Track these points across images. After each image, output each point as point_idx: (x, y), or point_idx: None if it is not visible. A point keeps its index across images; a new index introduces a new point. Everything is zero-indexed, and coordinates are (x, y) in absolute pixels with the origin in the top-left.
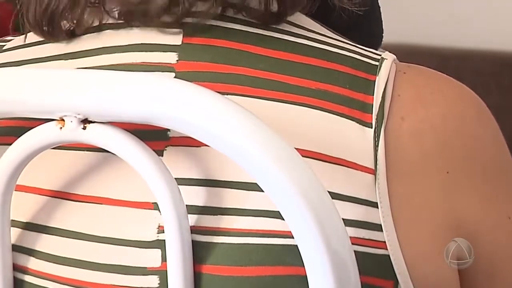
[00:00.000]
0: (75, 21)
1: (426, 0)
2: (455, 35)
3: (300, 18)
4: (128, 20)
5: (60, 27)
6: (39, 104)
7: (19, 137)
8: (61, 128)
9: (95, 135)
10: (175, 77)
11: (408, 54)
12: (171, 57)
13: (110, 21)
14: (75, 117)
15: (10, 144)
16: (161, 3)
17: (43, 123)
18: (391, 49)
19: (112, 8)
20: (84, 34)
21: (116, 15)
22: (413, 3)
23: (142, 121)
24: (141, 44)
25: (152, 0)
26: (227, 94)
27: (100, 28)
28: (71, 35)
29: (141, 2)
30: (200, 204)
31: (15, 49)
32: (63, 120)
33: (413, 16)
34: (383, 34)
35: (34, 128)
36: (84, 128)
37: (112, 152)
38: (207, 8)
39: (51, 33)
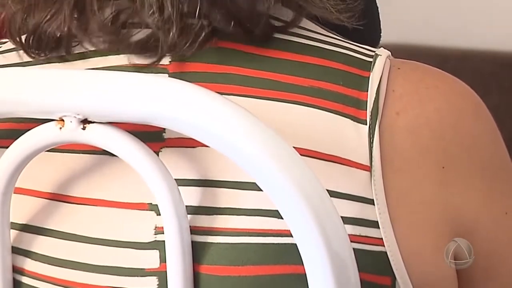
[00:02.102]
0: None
1: (426, 0)
2: (455, 35)
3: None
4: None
5: (44, 45)
6: (39, 104)
7: (15, 139)
8: (60, 128)
9: (95, 135)
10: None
11: (408, 54)
12: (164, 58)
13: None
14: (75, 117)
15: (7, 147)
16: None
17: (39, 125)
18: (391, 49)
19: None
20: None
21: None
22: (413, 3)
23: (142, 121)
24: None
25: (127, 44)
26: (220, 94)
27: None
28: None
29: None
30: (196, 204)
31: (10, 51)
32: (62, 120)
33: (413, 16)
34: (381, 35)
35: (34, 129)
36: (84, 128)
37: (112, 152)
38: (193, 36)
39: (32, 50)
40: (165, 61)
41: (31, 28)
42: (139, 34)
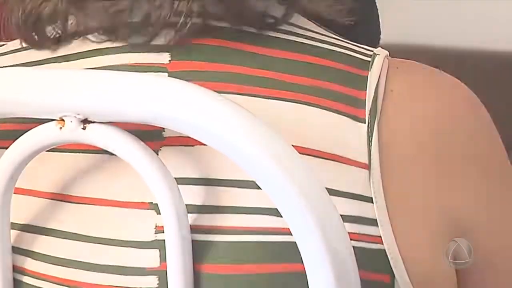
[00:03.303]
0: (59, 30)
1: (426, 0)
2: (455, 35)
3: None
4: (103, 39)
5: (45, 34)
6: (39, 104)
7: (15, 140)
8: (61, 128)
9: (95, 135)
10: (168, 77)
11: (408, 54)
12: (163, 57)
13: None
14: (75, 117)
15: (7, 148)
16: (132, 26)
17: (40, 125)
18: (391, 49)
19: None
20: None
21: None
22: (413, 3)
23: (142, 121)
24: (134, 44)
25: (123, 23)
26: (220, 93)
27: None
28: (57, 42)
29: (111, 25)
30: (196, 203)
31: (9, 53)
32: (63, 120)
33: (413, 16)
34: (381, 36)
35: (34, 128)
36: (84, 128)
37: (112, 152)
38: (182, 21)
39: (35, 40)
40: (165, 60)
41: (27, 13)
42: (135, 15)
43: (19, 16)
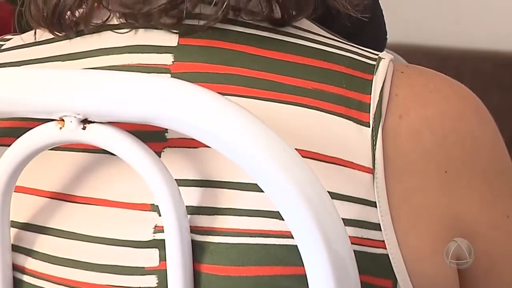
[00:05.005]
0: (81, 18)
1: (426, 0)
2: (455, 35)
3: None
4: (130, 20)
5: (66, 22)
6: (39, 104)
7: (17, 138)
8: (61, 128)
9: (95, 135)
10: (170, 77)
11: (408, 54)
12: (166, 59)
13: (111, 22)
14: (75, 117)
15: (8, 145)
16: (161, 5)
17: (42, 123)
18: (391, 49)
19: (115, 9)
20: (86, 33)
21: (118, 16)
22: (413, 3)
23: (142, 121)
24: (138, 45)
25: (152, 2)
26: (222, 95)
27: (99, 29)
28: (76, 30)
29: (141, 3)
30: (197, 204)
31: (14, 49)
32: (63, 120)
33: (413, 16)
34: (387, 37)
35: (34, 128)
36: (84, 128)
37: (112, 152)
38: (211, 12)
39: (57, 28)
40: (168, 61)
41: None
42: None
43: (43, 6)
